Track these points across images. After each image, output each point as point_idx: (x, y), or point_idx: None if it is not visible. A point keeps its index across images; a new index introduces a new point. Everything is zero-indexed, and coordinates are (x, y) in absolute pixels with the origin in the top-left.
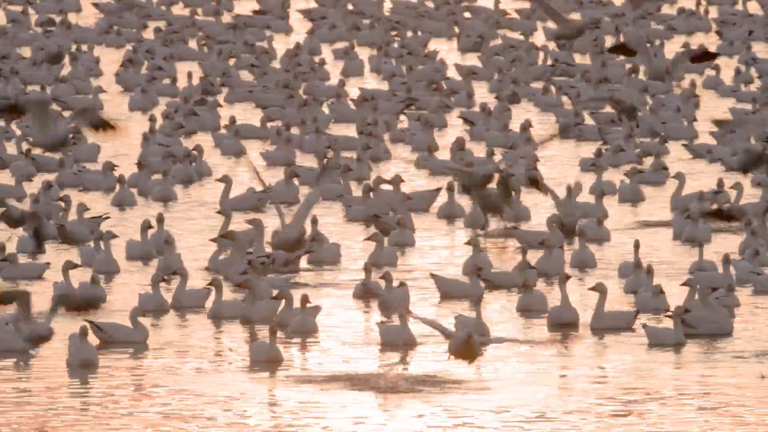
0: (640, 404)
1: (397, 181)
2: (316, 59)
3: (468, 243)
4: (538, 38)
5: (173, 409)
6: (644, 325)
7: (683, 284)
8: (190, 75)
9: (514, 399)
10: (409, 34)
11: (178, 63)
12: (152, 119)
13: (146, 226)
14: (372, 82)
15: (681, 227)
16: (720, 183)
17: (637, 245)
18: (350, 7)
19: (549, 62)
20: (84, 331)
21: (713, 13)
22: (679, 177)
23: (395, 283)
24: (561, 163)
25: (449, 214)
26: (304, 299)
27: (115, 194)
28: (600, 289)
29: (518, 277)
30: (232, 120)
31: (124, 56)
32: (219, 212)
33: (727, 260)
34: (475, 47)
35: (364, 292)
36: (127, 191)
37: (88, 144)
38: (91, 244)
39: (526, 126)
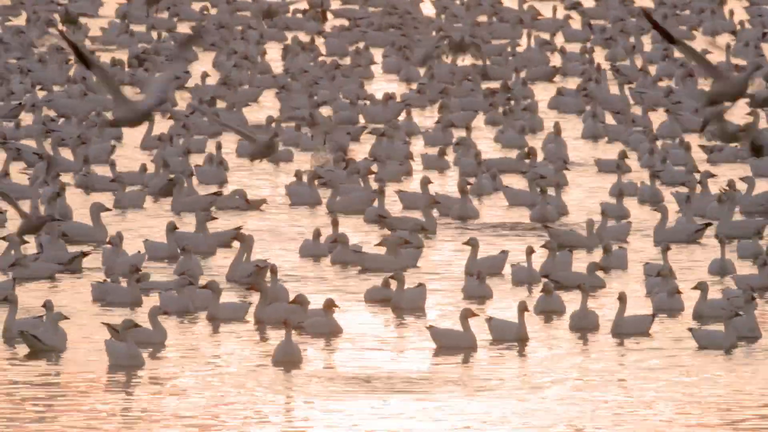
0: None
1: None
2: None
3: (467, 243)
4: (558, 39)
5: (179, 411)
6: (691, 329)
7: (694, 288)
8: (204, 75)
9: (538, 403)
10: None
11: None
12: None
13: (172, 227)
14: (384, 83)
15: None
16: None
17: (666, 248)
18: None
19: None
20: (128, 324)
21: (740, 12)
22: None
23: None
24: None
25: (462, 215)
26: (330, 303)
27: (116, 196)
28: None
29: (587, 277)
30: (270, 120)
31: (129, 57)
32: (200, 218)
33: (764, 264)
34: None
35: (378, 298)
36: (129, 193)
37: (99, 145)
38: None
39: (558, 129)
